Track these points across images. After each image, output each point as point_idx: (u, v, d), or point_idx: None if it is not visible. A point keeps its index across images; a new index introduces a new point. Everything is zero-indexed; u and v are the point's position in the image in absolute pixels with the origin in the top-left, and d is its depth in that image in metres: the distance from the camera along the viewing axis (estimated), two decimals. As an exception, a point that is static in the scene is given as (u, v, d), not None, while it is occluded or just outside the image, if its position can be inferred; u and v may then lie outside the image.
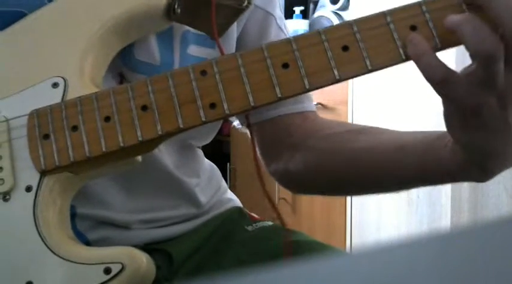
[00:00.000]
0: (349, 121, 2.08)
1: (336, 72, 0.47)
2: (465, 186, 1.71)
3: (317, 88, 0.48)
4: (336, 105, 2.15)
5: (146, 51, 0.61)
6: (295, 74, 0.47)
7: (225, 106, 0.48)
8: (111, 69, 0.58)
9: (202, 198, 0.70)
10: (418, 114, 1.86)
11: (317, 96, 2.37)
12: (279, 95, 0.47)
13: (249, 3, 0.58)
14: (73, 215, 0.60)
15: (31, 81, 0.54)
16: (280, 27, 0.71)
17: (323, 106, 2.16)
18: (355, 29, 0.47)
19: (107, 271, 0.47)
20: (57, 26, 0.56)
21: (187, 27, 0.62)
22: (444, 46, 0.47)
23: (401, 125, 1.92)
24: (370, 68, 0.47)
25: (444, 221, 1.78)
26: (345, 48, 0.47)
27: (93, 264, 0.48)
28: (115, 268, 0.47)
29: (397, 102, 1.93)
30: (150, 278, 0.49)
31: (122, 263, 0.47)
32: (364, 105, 2.04)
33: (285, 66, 0.47)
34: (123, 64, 0.60)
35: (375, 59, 0.47)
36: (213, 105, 0.48)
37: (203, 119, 0.48)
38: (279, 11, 0.72)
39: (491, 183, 1.66)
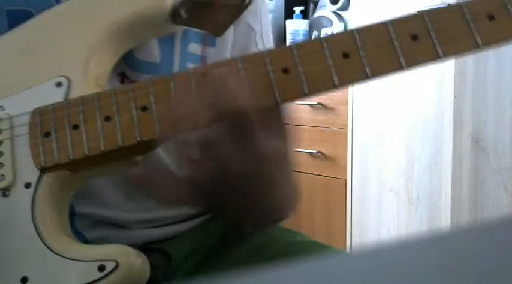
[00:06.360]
0: (349, 121, 2.08)
1: (335, 79, 0.47)
2: (465, 186, 1.71)
3: (316, 94, 0.49)
4: (336, 105, 2.15)
5: (146, 50, 0.61)
6: (295, 79, 0.48)
7: None
8: (112, 69, 0.58)
9: None
10: (418, 113, 1.86)
11: (317, 96, 2.36)
12: (278, 99, 0.48)
13: (250, 0, 0.58)
14: (72, 215, 0.60)
15: (36, 81, 0.54)
16: (257, 46, 0.70)
17: (323, 106, 2.16)
18: (357, 37, 0.47)
19: (101, 268, 0.47)
20: (64, 27, 0.57)
21: None
22: (446, 55, 0.47)
23: (401, 125, 1.92)
24: (370, 75, 0.47)
25: (444, 221, 1.78)
26: (346, 56, 0.47)
27: (87, 261, 0.48)
28: (109, 266, 0.47)
29: (397, 101, 1.93)
30: (144, 277, 0.49)
31: (116, 261, 0.47)
32: (364, 105, 2.04)
33: (285, 71, 0.48)
34: (124, 63, 0.60)
35: (375, 66, 0.47)
36: None
37: None
38: (259, 26, 0.71)
39: (491, 183, 1.67)
